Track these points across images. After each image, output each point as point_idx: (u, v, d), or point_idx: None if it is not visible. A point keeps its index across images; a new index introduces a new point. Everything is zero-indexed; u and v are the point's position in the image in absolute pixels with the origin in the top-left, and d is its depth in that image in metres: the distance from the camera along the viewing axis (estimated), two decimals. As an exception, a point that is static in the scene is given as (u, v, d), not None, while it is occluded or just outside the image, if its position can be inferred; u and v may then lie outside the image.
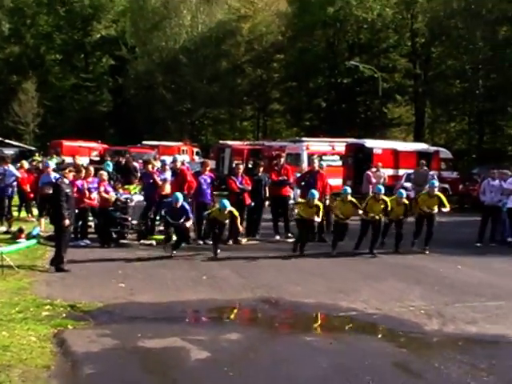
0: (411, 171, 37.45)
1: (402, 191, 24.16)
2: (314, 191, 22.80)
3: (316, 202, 22.44)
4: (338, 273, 19.80)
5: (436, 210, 23.69)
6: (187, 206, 22.06)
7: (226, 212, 21.85)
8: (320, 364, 11.46)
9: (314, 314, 15.15)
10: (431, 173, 35.86)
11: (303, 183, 26.16)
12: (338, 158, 42.72)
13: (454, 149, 58.33)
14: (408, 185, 34.27)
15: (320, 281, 17.92)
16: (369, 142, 44.62)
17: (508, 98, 65.90)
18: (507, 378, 11.19)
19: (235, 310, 15.60)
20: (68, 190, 19.37)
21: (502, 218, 25.89)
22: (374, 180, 32.32)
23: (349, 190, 23.59)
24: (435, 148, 48.35)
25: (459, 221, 33.27)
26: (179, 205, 21.54)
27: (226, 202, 21.96)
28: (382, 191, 23.22)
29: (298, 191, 27.69)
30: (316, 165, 27.31)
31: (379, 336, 13.52)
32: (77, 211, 21.78)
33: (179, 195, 21.74)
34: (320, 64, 70.26)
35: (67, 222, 18.83)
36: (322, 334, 13.71)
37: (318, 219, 22.83)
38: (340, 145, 44.45)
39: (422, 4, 68.83)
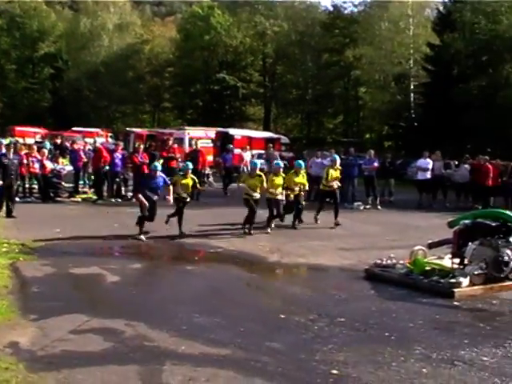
0: (263, 151, 38.41)
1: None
2: (255, 161, 19.70)
3: (258, 171, 18.15)
4: (209, 221, 19.81)
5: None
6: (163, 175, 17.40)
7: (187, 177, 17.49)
8: (197, 285, 11.69)
9: (192, 250, 15.20)
10: (276, 153, 36.77)
11: (189, 158, 26.55)
12: (209, 141, 42.89)
13: (291, 137, 59.06)
14: (261, 161, 34.73)
15: (200, 227, 17.95)
16: (231, 131, 45.82)
17: (328, 103, 68.19)
18: (322, 287, 11.72)
19: (138, 247, 15.56)
20: (6, 161, 19.74)
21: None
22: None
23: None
24: (278, 135, 49.35)
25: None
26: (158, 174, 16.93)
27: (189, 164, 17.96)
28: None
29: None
30: (198, 146, 28.90)
31: (237, 265, 13.64)
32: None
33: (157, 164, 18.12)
34: (198, 75, 70.29)
35: (0, 182, 19.34)
36: (198, 264, 13.79)
37: (257, 195, 17.72)
38: (211, 132, 44.85)
39: (270, 35, 69.28)
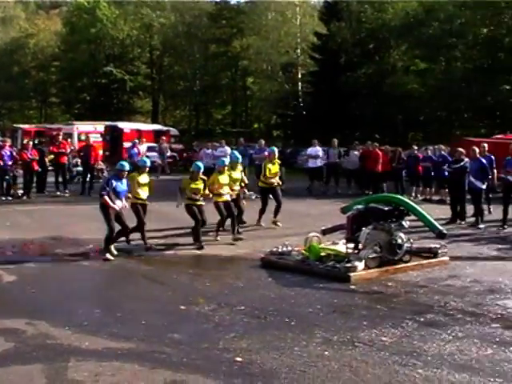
0: (155, 144, 38.86)
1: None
2: (198, 163, 16.03)
3: (201, 175, 15.45)
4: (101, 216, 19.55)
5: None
6: None
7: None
8: (95, 281, 11.69)
9: (88, 246, 14.88)
10: (166, 145, 37.01)
11: (82, 153, 26.42)
12: (99, 135, 42.23)
13: (180, 128, 58.88)
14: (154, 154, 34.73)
15: (94, 223, 17.60)
16: (120, 124, 45.26)
17: (216, 94, 68.63)
18: (219, 277, 11.79)
19: (31, 246, 15.16)
20: None
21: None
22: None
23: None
24: (167, 128, 48.99)
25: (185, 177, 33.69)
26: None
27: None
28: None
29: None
30: (90, 140, 28.02)
31: (133, 259, 13.42)
32: None
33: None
34: (85, 69, 68.92)
35: None
36: (95, 260, 13.51)
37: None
38: (100, 126, 44.19)
39: (157, 27, 68.78)
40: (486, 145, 19.91)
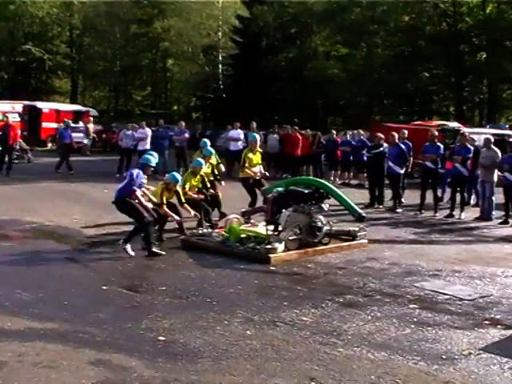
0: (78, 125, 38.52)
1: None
2: (175, 174, 13.38)
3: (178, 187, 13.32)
4: (22, 197, 19.20)
5: None
6: None
7: None
8: (15, 261, 11.18)
9: (5, 226, 14.54)
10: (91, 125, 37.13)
11: (0, 133, 25.64)
12: (17, 115, 41.26)
13: (99, 109, 58.16)
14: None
15: (13, 204, 17.21)
16: (39, 104, 44.14)
17: (136, 75, 68.16)
18: (140, 257, 11.44)
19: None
20: None
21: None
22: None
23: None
24: (86, 108, 48.21)
25: (104, 159, 33.46)
26: None
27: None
28: None
29: None
30: (9, 120, 26.83)
31: (54, 240, 13.23)
32: None
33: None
34: (3, 47, 67.01)
35: None
36: (15, 241, 13.21)
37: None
38: (18, 106, 43.17)
39: (77, 6, 67.42)
40: (406, 131, 20.33)
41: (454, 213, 17.69)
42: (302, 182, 14.77)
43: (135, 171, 12.18)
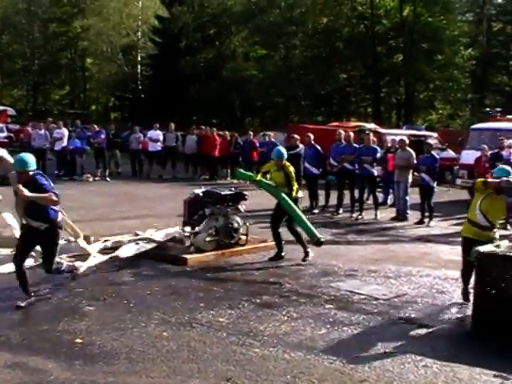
0: None
1: None
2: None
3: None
4: None
5: None
6: None
7: None
8: None
9: None
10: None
11: None
12: None
13: (17, 108, 57.11)
14: None
15: None
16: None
17: (54, 74, 67.29)
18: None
19: None
20: None
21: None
22: None
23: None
24: (4, 107, 47.52)
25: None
26: None
27: None
28: None
29: None
30: None
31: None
32: None
33: None
34: None
35: None
36: None
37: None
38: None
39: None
40: (311, 135, 19.93)
41: (353, 215, 17.86)
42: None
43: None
